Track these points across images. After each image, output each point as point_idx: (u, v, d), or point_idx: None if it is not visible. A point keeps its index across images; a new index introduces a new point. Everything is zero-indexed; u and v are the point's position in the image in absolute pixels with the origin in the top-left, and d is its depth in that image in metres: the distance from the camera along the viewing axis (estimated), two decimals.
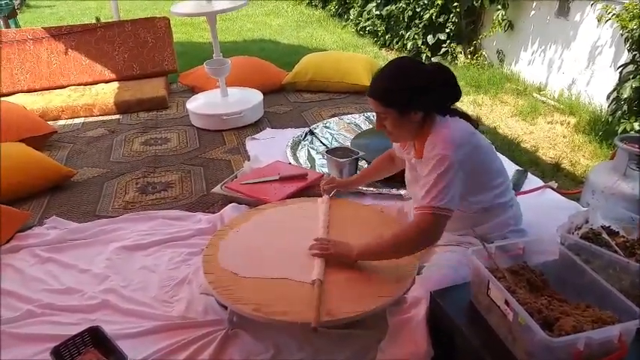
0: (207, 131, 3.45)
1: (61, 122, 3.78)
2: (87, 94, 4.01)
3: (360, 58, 4.53)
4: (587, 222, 1.47)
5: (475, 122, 1.59)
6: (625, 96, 3.01)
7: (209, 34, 3.98)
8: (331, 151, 2.65)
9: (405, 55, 5.31)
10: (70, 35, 4.22)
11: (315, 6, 8.20)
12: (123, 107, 3.89)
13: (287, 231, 1.90)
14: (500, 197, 1.57)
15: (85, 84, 4.22)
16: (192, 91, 4.14)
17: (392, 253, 1.55)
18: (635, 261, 1.27)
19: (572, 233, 1.43)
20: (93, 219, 2.42)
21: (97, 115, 3.86)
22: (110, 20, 4.71)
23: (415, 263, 1.60)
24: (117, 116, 3.85)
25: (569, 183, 2.82)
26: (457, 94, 1.56)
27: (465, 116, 1.58)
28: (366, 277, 1.58)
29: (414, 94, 1.49)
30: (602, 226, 1.46)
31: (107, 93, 4.02)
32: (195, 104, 3.60)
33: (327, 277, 1.58)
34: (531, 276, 1.28)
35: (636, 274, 1.22)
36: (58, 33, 4.20)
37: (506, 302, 1.13)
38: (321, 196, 2.10)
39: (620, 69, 3.17)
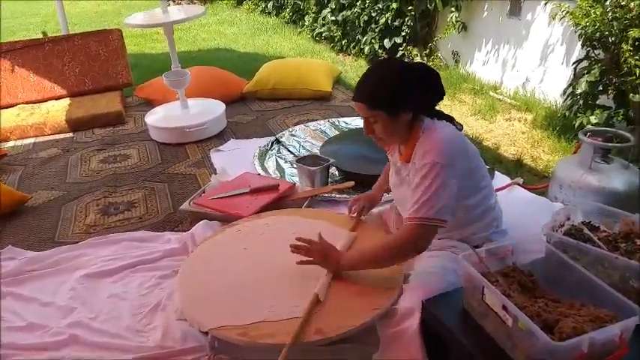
0: (169, 145, 3.34)
1: (11, 144, 3.57)
2: (37, 113, 3.80)
3: (320, 64, 4.51)
4: (568, 219, 1.47)
5: (460, 125, 1.58)
6: (580, 91, 3.09)
7: (161, 45, 3.87)
8: (301, 160, 2.61)
9: (378, 56, 5.31)
10: (15, 52, 3.99)
11: (269, 14, 8.13)
12: (76, 124, 3.70)
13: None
14: (486, 199, 1.57)
15: (35, 102, 4.00)
16: (150, 104, 4.00)
17: (382, 262, 1.53)
18: (620, 255, 1.28)
19: (556, 231, 1.43)
20: (52, 246, 2.27)
21: (49, 134, 3.66)
22: (58, 34, 4.48)
23: (401, 271, 1.57)
24: (70, 134, 3.66)
25: (532, 178, 2.88)
26: (441, 93, 1.53)
27: (450, 119, 1.56)
28: (354, 289, 1.53)
29: (402, 93, 1.44)
30: (582, 222, 1.47)
31: (58, 110, 3.82)
32: (155, 117, 3.48)
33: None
34: (522, 277, 1.27)
35: (625, 269, 1.23)
36: (0, 50, 3.96)
37: (504, 307, 1.11)
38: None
39: (574, 65, 3.27)
